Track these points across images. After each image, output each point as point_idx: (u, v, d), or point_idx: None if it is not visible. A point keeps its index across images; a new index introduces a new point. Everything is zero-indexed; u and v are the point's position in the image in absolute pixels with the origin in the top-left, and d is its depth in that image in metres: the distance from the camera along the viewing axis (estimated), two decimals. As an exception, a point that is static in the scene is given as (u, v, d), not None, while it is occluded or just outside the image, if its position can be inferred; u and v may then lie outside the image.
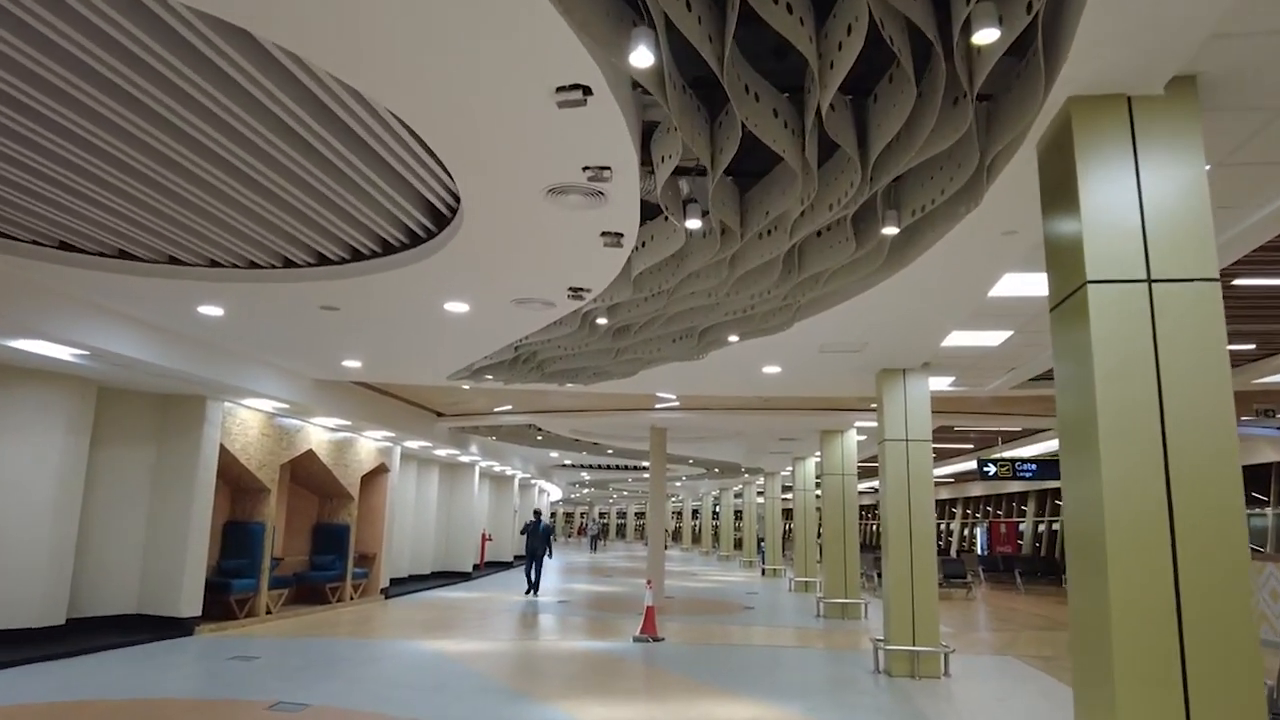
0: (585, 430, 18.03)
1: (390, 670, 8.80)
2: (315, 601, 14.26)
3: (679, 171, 5.21)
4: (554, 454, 23.88)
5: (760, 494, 32.66)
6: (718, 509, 43.68)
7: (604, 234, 5.43)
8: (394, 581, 18.29)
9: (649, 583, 11.91)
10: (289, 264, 6.78)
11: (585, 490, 47.46)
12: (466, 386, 12.25)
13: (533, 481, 31.38)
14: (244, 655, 9.44)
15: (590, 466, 30.11)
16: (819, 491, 25.77)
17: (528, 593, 17.58)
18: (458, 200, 5.31)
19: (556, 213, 5.08)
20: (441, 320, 7.83)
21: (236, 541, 12.25)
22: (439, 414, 16.19)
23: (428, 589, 18.47)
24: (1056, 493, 26.88)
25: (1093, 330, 3.45)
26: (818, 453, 20.52)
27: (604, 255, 5.83)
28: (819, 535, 34.19)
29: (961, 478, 31.32)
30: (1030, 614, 16.63)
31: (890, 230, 5.12)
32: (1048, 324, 7.20)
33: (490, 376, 10.55)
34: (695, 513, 58.29)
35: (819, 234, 5.99)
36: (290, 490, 14.50)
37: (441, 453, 19.10)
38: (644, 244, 5.98)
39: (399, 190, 5.28)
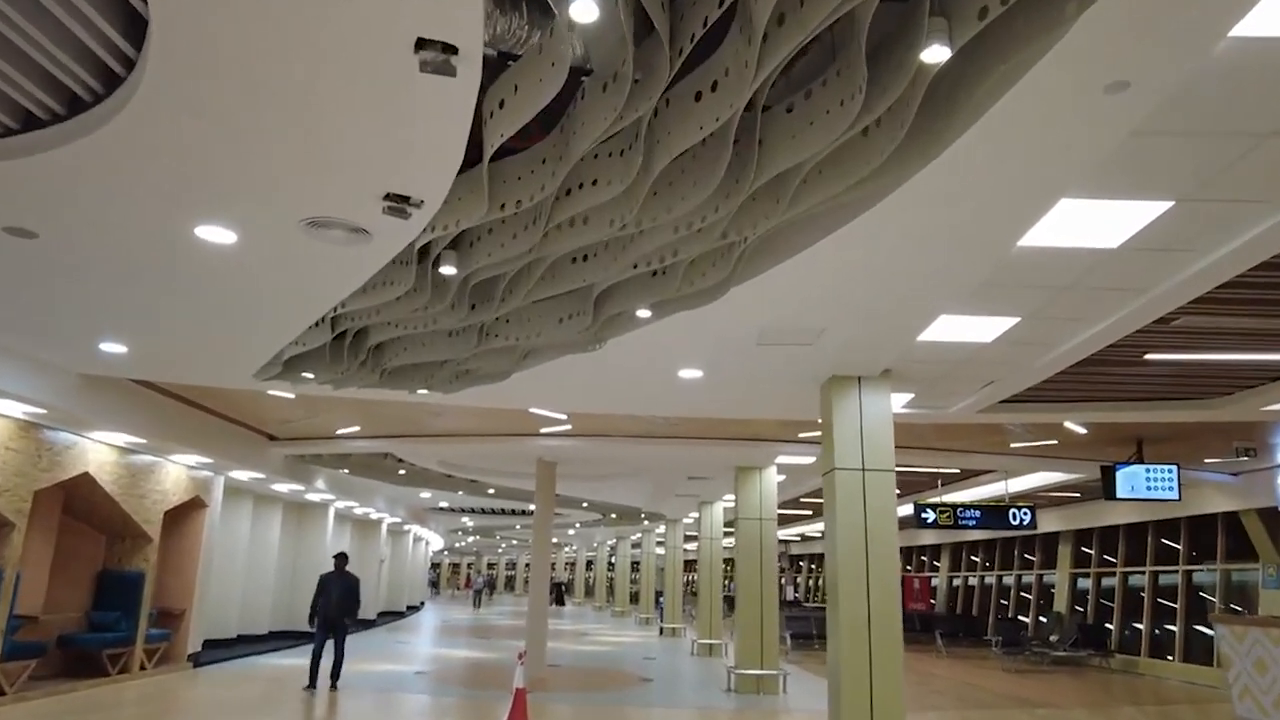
0: (457, 463, 15.22)
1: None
2: (88, 674, 10.92)
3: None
4: (425, 494, 20.83)
5: (660, 543, 30.20)
6: (613, 560, 40.93)
7: (422, 46, 2.96)
8: (212, 644, 14.95)
9: (521, 656, 9.22)
10: (-80, 138, 4.06)
11: (470, 539, 43.91)
12: (290, 396, 9.44)
13: (405, 527, 28.03)
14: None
15: (472, 510, 27.03)
16: (730, 541, 23.51)
17: (308, 687, 10.79)
18: None
19: (315, -39, 2.60)
20: (202, 262, 5.15)
21: (-42, 596, 8.97)
22: (271, 437, 13.17)
23: (258, 653, 15.14)
24: (973, 546, 25.33)
25: None
26: (727, 495, 18.30)
27: (432, 110, 3.36)
28: (726, 589, 31.88)
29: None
30: (966, 684, 14.57)
31: (935, 53, 2.86)
32: (1075, 300, 4.98)
33: (310, 375, 7.82)
34: (589, 564, 55.13)
35: (789, 109, 3.69)
36: (62, 526, 11.18)
37: (282, 488, 15.94)
38: (502, 104, 3.54)
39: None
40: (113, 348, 7.46)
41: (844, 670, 6.68)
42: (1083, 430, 10.38)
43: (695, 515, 23.05)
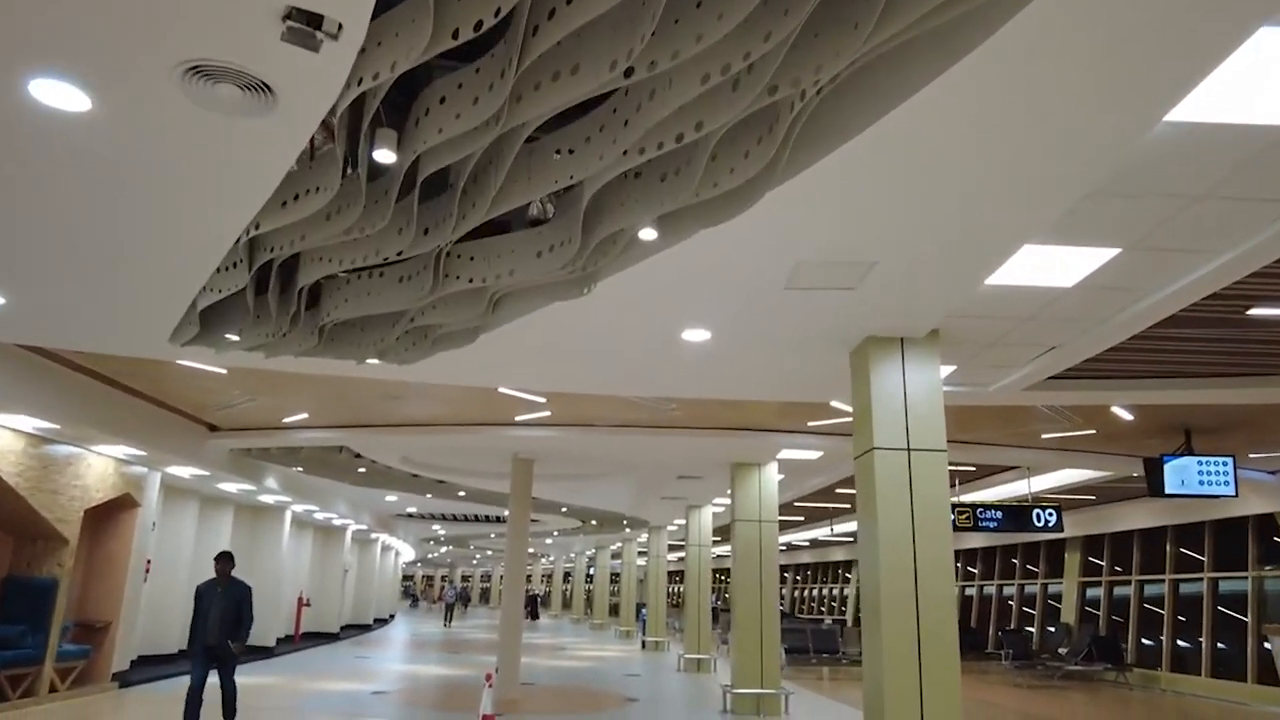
0: (423, 460, 13.80)
1: None
2: (-15, 698, 9.42)
3: None
4: (391, 497, 19.34)
5: (642, 552, 28.83)
6: (592, 570, 39.48)
7: None
8: (149, 660, 13.49)
9: (489, 678, 7.85)
10: None
11: (443, 549, 42.29)
12: (221, 371, 8.05)
13: (373, 535, 26.47)
14: None
15: (443, 517, 25.52)
16: (725, 549, 22.09)
17: None
18: None
19: None
20: (54, 144, 3.78)
21: None
22: (212, 427, 11.72)
23: (198, 672, 13.59)
24: (970, 555, 24.16)
25: None
26: (717, 499, 17.04)
27: None
28: (715, 600, 30.31)
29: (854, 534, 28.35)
30: (979, 701, 13.31)
31: None
32: (1201, 219, 3.74)
33: (235, 337, 6.43)
34: (567, 575, 53.59)
35: None
36: (-41, 528, 9.71)
37: (231, 487, 14.46)
38: None
39: None
40: (-18, 297, 6.04)
41: (889, 701, 5.38)
42: (1129, 416, 9.19)
43: (681, 521, 21.75)
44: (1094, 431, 10.05)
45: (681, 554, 35.78)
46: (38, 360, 8.46)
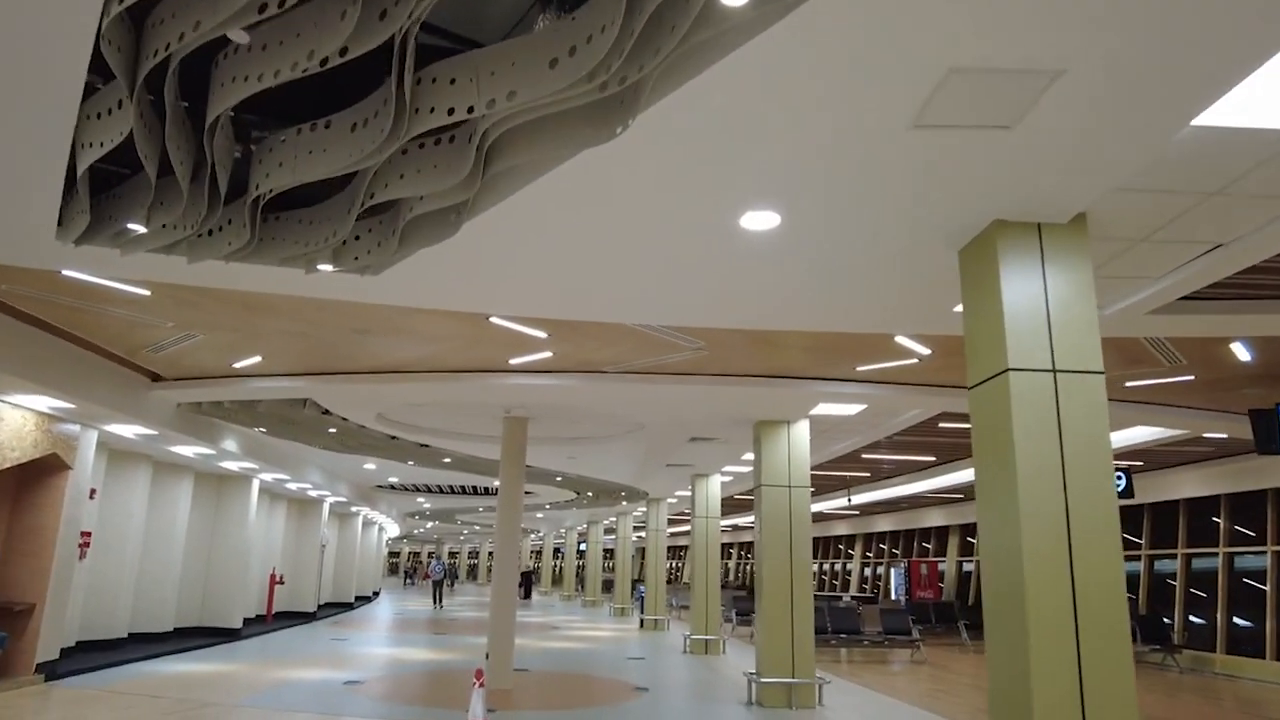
0: (403, 419, 12.14)
1: None
2: (-127, 696, 7.82)
3: None
4: (369, 465, 17.68)
5: (639, 526, 27.37)
6: (583, 546, 38.02)
7: None
8: (92, 646, 11.96)
9: (479, 675, 6.29)
10: None
11: (429, 524, 40.73)
12: (146, 293, 6.41)
13: (353, 509, 24.84)
14: None
15: (428, 489, 23.92)
16: (726, 522, 20.45)
17: None
18: None
19: None
20: None
21: None
22: (155, 376, 10.03)
23: (150, 658, 12.02)
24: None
25: None
26: (727, 466, 15.54)
27: None
28: (731, 578, 28.53)
29: (869, 509, 27.10)
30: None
31: None
32: None
33: (139, 227, 4.79)
34: (557, 551, 52.20)
35: None
36: None
37: (186, 450, 12.79)
38: None
39: None
40: None
41: (1040, 709, 3.86)
42: (1247, 356, 7.69)
43: (682, 493, 20.30)
44: (1193, 377, 8.54)
45: (677, 528, 34.38)
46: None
